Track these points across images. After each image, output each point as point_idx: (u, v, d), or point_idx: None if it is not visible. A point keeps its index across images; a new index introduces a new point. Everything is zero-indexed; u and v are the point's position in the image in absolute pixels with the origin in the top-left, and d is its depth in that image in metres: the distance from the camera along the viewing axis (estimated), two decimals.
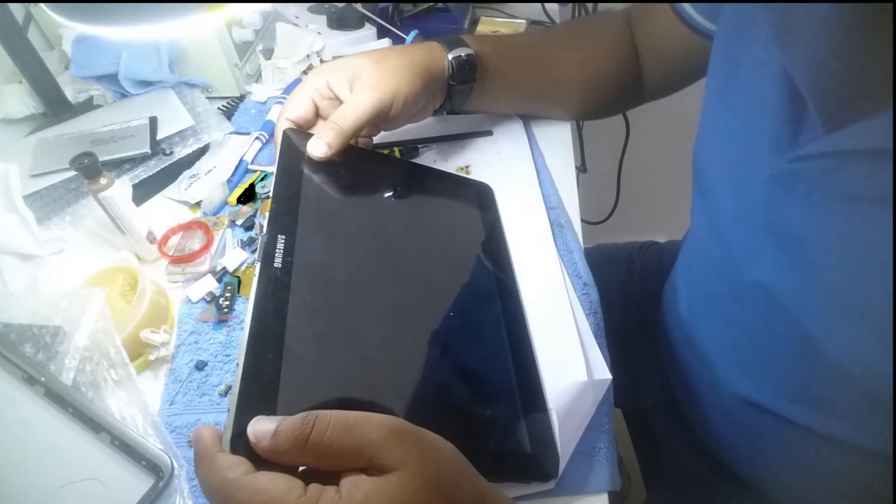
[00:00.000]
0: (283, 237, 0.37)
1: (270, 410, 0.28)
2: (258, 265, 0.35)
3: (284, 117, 0.47)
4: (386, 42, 0.74)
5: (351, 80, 0.47)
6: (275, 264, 0.35)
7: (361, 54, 0.49)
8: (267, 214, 0.38)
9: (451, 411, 0.35)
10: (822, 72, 0.31)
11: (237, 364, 0.30)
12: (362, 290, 0.39)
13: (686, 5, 0.50)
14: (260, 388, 0.29)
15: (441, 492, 0.26)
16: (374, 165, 0.49)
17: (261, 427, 0.27)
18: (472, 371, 0.38)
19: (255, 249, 0.52)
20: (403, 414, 0.33)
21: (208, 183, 0.58)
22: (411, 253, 0.44)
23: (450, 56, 0.50)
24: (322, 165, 0.44)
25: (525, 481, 0.35)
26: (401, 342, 0.38)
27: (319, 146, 0.43)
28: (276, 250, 0.36)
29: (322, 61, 0.74)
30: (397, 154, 0.59)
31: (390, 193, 0.47)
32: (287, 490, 0.25)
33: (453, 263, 0.45)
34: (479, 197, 0.52)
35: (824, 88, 0.31)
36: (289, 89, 0.68)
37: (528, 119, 0.63)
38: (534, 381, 0.39)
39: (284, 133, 0.46)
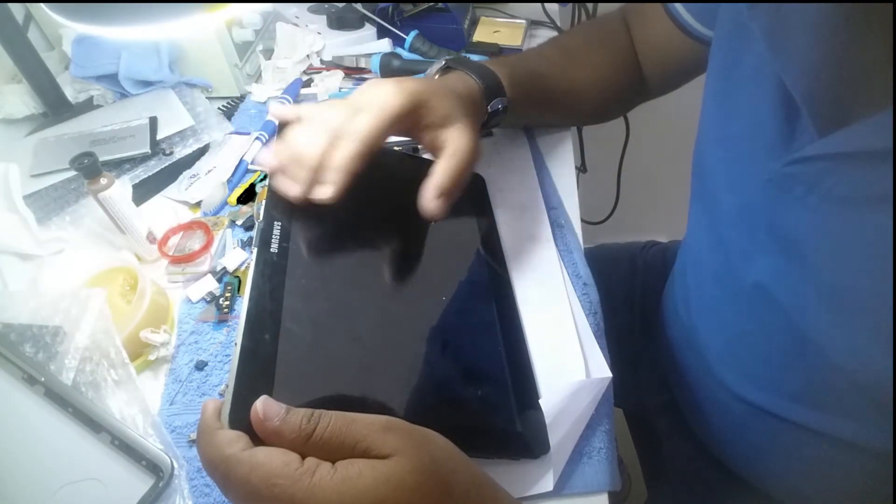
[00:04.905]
0: (279, 223, 0.38)
1: (267, 388, 0.30)
2: (255, 250, 0.36)
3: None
4: (386, 42, 0.74)
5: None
6: (271, 249, 0.36)
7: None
8: (264, 202, 0.39)
9: (443, 390, 0.37)
10: (813, 77, 0.32)
11: (234, 344, 0.31)
12: (356, 274, 0.40)
13: (682, 12, 0.51)
14: (257, 367, 0.30)
15: (436, 476, 0.27)
16: None
17: (270, 407, 0.27)
18: (464, 353, 0.39)
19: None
20: (397, 392, 0.35)
21: (208, 183, 0.58)
22: (404, 238, 0.45)
23: (489, 108, 0.49)
24: None
25: (514, 458, 0.37)
26: (393, 324, 0.39)
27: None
28: (273, 236, 0.37)
29: (322, 61, 0.74)
30: None
31: (384, 182, 0.47)
32: (284, 463, 0.26)
33: (446, 249, 0.46)
34: (472, 186, 0.53)
35: (816, 93, 0.32)
36: (289, 89, 0.68)
37: None
38: (524, 365, 0.41)
39: (281, 123, 0.45)
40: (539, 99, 0.55)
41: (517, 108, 0.51)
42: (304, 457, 0.27)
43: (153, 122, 0.63)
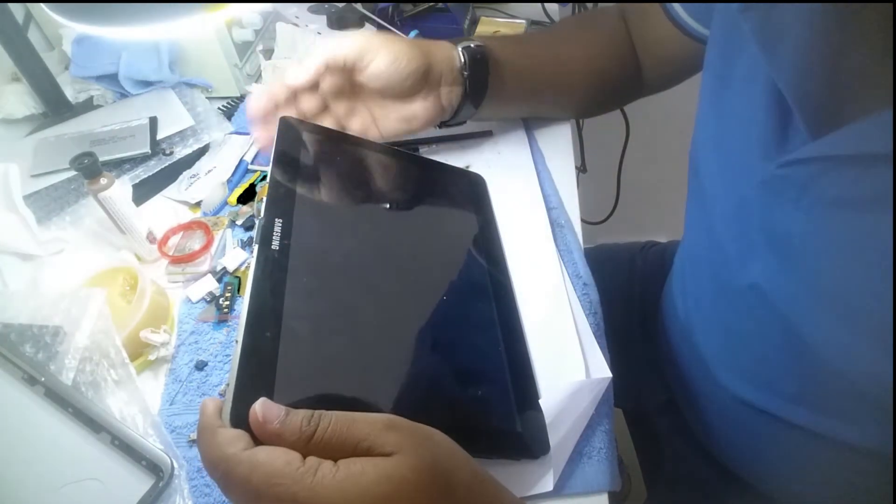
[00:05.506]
0: (280, 221, 0.38)
1: (268, 387, 0.30)
2: (256, 247, 0.36)
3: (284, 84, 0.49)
4: None
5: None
6: (272, 246, 0.36)
7: None
8: (265, 199, 0.39)
9: (443, 390, 0.37)
10: (805, 80, 0.32)
11: (235, 341, 0.31)
12: (357, 273, 0.40)
13: (680, 11, 0.51)
14: (258, 365, 0.30)
15: (438, 474, 0.27)
16: (370, 153, 0.50)
17: (270, 409, 0.27)
18: (464, 352, 0.39)
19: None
20: (397, 391, 0.35)
21: (208, 183, 0.58)
22: (405, 238, 0.45)
23: (459, 47, 0.49)
24: (318, 152, 0.45)
25: (514, 458, 0.36)
26: (394, 324, 0.39)
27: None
28: (274, 233, 0.37)
29: None
30: None
31: (385, 181, 0.47)
32: (286, 462, 0.26)
33: (446, 249, 0.46)
34: (472, 187, 0.54)
35: (808, 96, 0.32)
36: None
37: (528, 119, 0.63)
38: (524, 365, 0.41)
39: (281, 119, 0.46)
40: (526, 60, 0.54)
41: (507, 73, 0.51)
42: (305, 456, 0.27)
43: (153, 122, 0.63)
